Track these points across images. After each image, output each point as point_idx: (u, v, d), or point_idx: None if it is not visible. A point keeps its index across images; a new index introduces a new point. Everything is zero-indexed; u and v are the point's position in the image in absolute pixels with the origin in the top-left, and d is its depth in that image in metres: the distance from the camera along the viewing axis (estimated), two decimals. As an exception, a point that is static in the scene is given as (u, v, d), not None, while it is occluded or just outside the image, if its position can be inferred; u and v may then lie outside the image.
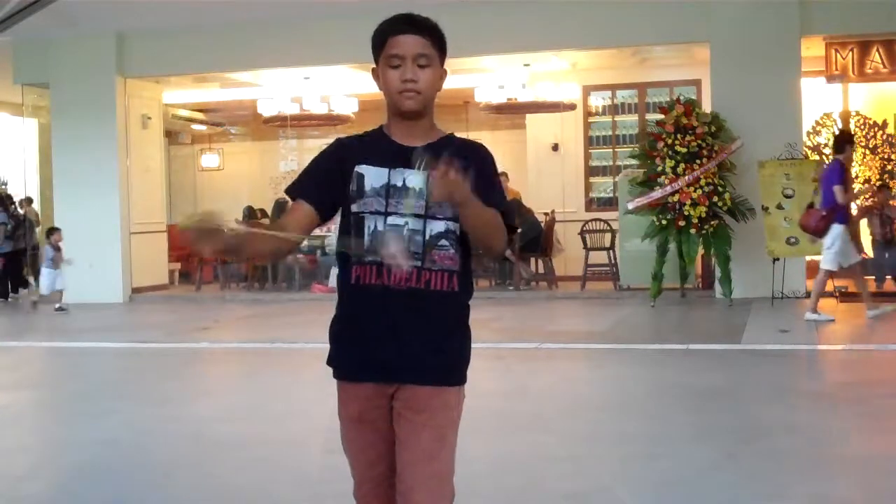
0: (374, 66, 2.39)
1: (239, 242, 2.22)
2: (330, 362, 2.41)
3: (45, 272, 12.21)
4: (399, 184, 2.30)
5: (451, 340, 2.35)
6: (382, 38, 2.34)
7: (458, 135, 2.45)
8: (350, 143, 2.43)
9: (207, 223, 2.14)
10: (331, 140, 2.53)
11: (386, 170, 2.31)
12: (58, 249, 12.26)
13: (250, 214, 15.12)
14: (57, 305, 11.84)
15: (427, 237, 2.29)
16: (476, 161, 2.32)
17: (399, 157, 2.31)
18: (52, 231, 12.52)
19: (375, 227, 2.30)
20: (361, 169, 2.33)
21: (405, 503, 2.29)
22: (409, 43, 2.31)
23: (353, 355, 2.36)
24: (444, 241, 2.29)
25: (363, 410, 2.36)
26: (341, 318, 2.39)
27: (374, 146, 2.37)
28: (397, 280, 2.28)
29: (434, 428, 2.30)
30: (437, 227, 2.29)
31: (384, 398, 2.34)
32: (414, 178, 2.29)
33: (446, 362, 2.34)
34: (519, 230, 12.95)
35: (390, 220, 2.29)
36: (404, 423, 2.31)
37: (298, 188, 2.40)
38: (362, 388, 2.35)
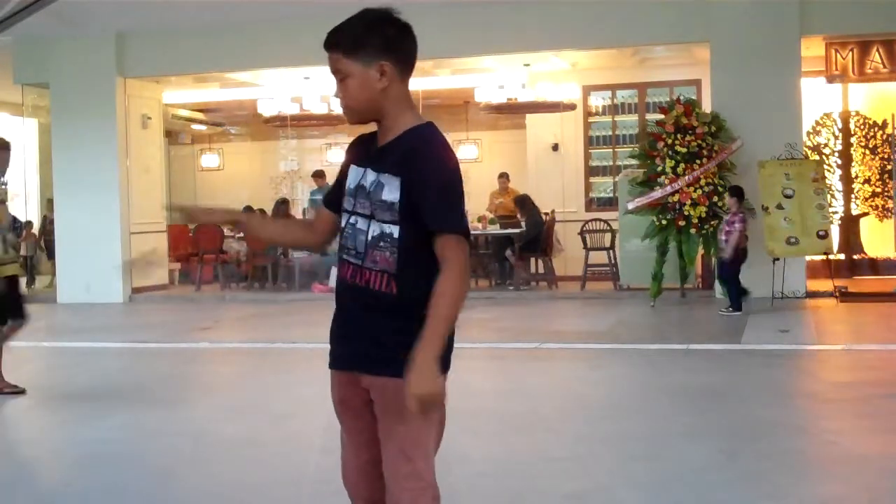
0: None
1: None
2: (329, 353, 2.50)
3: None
4: (365, 184, 2.34)
5: (401, 335, 2.26)
6: None
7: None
8: (354, 144, 2.48)
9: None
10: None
11: (361, 170, 2.37)
12: None
13: (250, 214, 15.12)
14: None
15: (369, 238, 2.32)
16: (413, 172, 2.26)
17: (369, 158, 2.37)
18: None
19: (347, 223, 2.38)
20: (350, 169, 2.42)
21: (388, 498, 2.34)
22: (329, 62, 2.36)
23: (331, 345, 2.45)
24: (382, 243, 2.30)
25: (344, 396, 2.42)
26: (335, 310, 2.48)
27: (363, 146, 2.43)
28: (349, 277, 2.36)
29: (406, 428, 2.29)
30: (377, 229, 2.31)
31: (362, 389, 2.37)
32: (368, 180, 2.34)
33: (399, 356, 2.23)
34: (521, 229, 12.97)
35: (351, 219, 2.37)
36: (379, 422, 2.35)
37: (326, 196, 2.55)
38: (341, 374, 2.42)
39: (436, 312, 2.21)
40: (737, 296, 10.05)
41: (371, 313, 2.31)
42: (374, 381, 2.32)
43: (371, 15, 2.33)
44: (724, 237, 10.17)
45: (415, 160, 2.27)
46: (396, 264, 2.28)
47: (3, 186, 6.92)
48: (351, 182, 2.38)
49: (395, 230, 2.27)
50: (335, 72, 2.34)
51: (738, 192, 10.26)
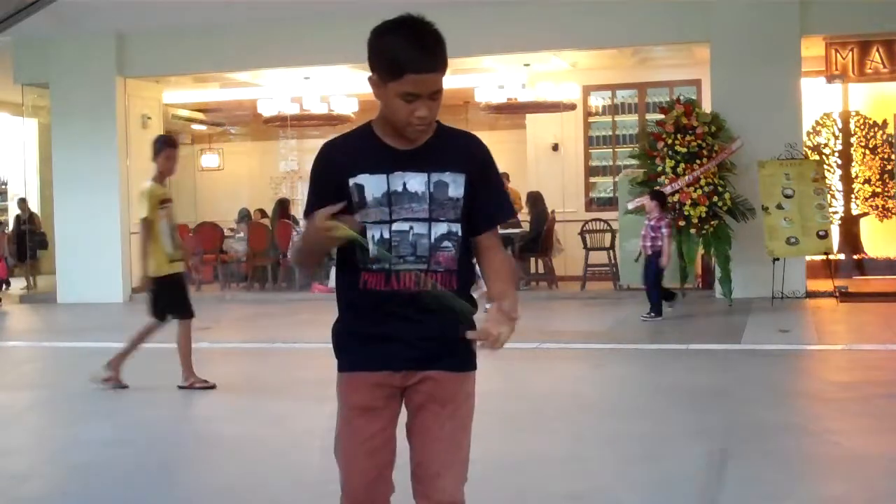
0: (371, 74, 2.26)
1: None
2: (344, 358, 2.38)
3: None
4: (399, 189, 2.27)
5: (458, 328, 2.34)
6: (398, 70, 2.19)
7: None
8: (338, 155, 2.33)
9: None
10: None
11: (384, 176, 2.27)
12: None
13: (247, 215, 15.13)
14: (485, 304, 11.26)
15: (432, 240, 2.30)
16: (480, 168, 2.35)
17: (396, 162, 2.28)
18: None
19: (381, 236, 2.28)
20: (360, 179, 2.28)
21: (430, 487, 2.35)
22: (429, 82, 2.22)
23: (357, 347, 2.35)
24: (446, 243, 2.31)
25: (373, 398, 2.35)
26: (352, 318, 2.38)
27: (367, 152, 2.30)
28: (406, 286, 2.30)
29: (459, 418, 2.37)
30: (441, 228, 2.30)
31: (396, 389, 2.36)
32: (414, 182, 2.28)
33: (465, 349, 2.36)
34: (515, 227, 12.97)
35: (395, 226, 2.28)
36: (429, 414, 2.35)
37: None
38: (373, 376, 2.35)
39: (509, 278, 2.41)
40: (658, 300, 9.77)
41: (431, 313, 2.30)
42: (432, 374, 2.33)
43: (433, 26, 2.24)
44: (647, 243, 9.69)
45: (477, 156, 2.36)
46: (457, 260, 2.33)
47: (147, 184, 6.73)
48: (374, 191, 2.27)
49: (458, 227, 2.32)
50: (436, 92, 2.23)
51: (659, 196, 9.94)
